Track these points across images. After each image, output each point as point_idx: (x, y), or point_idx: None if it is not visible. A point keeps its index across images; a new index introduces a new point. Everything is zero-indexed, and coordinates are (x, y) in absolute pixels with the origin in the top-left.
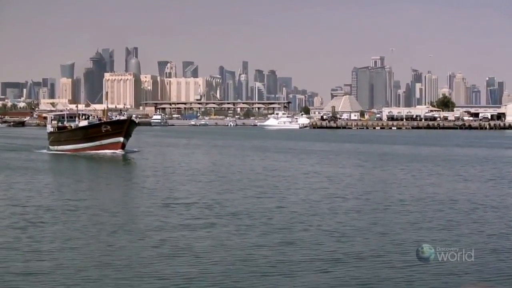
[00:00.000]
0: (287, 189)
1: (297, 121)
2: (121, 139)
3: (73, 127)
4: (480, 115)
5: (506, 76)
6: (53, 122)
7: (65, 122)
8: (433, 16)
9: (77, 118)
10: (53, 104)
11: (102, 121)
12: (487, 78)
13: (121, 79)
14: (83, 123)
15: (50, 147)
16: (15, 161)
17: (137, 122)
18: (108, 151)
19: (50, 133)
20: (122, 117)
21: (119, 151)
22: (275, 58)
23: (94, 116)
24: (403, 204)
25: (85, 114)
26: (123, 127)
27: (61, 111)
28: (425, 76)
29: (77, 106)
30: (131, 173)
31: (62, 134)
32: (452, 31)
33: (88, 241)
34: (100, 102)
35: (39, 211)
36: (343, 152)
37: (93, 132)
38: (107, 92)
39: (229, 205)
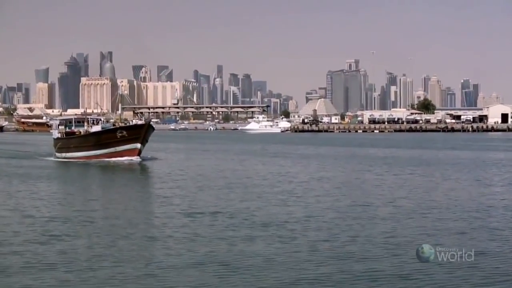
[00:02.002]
0: (307, 196)
1: (277, 125)
2: (138, 145)
3: (82, 133)
4: (462, 117)
5: (481, 78)
6: (60, 127)
7: (73, 128)
8: (407, 20)
9: (85, 123)
10: (30, 109)
11: (117, 126)
12: (462, 81)
13: (97, 83)
14: (96, 128)
15: (57, 154)
16: (22, 169)
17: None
18: (123, 158)
19: (57, 139)
20: (139, 122)
21: (135, 158)
22: (249, 61)
23: (103, 121)
24: (439, 212)
25: (94, 119)
26: (141, 133)
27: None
28: (400, 79)
29: (53, 111)
30: (144, 181)
31: (71, 140)
32: (426, 34)
33: (125, 258)
34: (75, 107)
35: (62, 223)
36: (341, 157)
37: (107, 137)
38: (122, 95)
39: (257, 215)
